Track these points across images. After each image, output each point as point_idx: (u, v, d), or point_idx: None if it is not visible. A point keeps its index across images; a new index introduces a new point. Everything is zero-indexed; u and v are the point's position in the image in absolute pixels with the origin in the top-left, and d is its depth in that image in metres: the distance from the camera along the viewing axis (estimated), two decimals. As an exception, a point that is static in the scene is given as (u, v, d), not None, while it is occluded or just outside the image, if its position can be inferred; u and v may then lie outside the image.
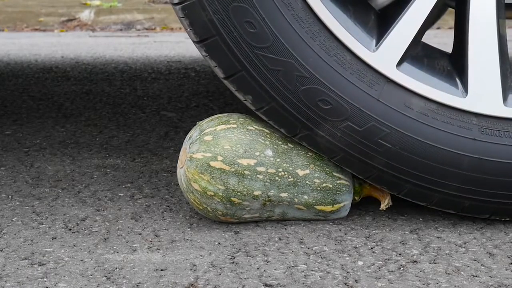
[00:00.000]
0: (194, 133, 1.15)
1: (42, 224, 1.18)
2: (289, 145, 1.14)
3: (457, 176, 1.11)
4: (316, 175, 1.14)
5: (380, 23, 1.12)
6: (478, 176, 1.11)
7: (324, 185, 1.14)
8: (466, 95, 1.10)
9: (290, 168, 1.13)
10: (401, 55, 1.10)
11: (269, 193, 1.12)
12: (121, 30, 4.59)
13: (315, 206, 1.14)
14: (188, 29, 1.10)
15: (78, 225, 1.17)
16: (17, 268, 1.01)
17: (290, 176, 1.13)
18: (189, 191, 1.12)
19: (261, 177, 1.11)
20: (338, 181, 1.15)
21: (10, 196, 1.31)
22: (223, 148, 1.10)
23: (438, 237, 1.11)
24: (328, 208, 1.15)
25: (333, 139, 1.11)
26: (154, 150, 1.60)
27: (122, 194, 1.32)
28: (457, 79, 1.12)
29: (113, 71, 2.68)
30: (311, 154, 1.15)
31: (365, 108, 1.09)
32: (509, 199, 1.12)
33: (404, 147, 1.10)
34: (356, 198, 1.19)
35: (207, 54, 1.10)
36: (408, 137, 1.10)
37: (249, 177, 1.11)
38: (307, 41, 1.07)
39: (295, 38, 1.07)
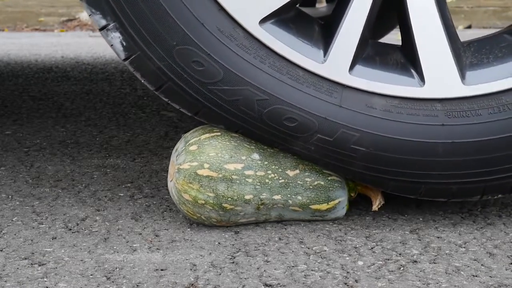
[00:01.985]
0: (179, 145, 1.15)
1: (42, 224, 1.18)
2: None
3: (436, 164, 1.11)
4: (307, 174, 1.14)
5: (324, 33, 1.13)
6: (456, 159, 1.11)
7: (316, 183, 1.14)
8: (424, 83, 1.10)
9: (280, 170, 1.13)
10: (351, 60, 1.10)
11: (261, 196, 1.12)
12: (121, 30, 4.59)
13: (310, 206, 1.14)
14: (143, 81, 1.11)
15: (78, 225, 1.17)
16: (17, 268, 1.01)
17: (280, 178, 1.12)
18: (181, 203, 1.12)
19: (250, 180, 1.11)
20: (329, 178, 1.15)
21: (10, 196, 1.31)
22: (208, 155, 1.10)
23: (438, 237, 1.11)
24: (324, 206, 1.15)
25: (309, 152, 1.12)
26: (154, 150, 1.60)
27: (122, 194, 1.32)
28: (412, 70, 1.12)
29: (113, 71, 2.69)
30: None
31: (330, 117, 1.09)
32: (493, 175, 1.12)
33: (377, 147, 1.10)
34: (352, 194, 1.19)
35: (168, 99, 1.12)
36: (379, 136, 1.10)
37: (237, 181, 1.10)
38: (257, 65, 1.08)
39: (245, 65, 1.08)
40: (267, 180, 1.12)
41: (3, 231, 1.15)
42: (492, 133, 1.10)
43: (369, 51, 1.14)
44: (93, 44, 3.78)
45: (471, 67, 1.12)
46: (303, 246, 1.08)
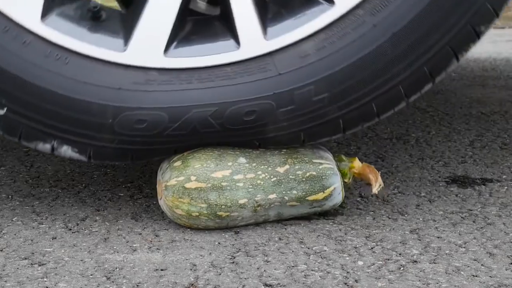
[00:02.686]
0: (163, 164, 1.15)
1: (42, 224, 1.18)
2: (260, 149, 1.15)
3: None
4: (297, 167, 1.14)
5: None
6: None
7: (308, 174, 1.14)
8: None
9: (269, 169, 1.13)
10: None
11: (256, 198, 1.12)
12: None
13: (306, 198, 1.14)
14: None
15: (78, 225, 1.17)
16: (17, 268, 1.01)
17: (272, 176, 1.12)
18: (176, 218, 1.13)
19: (241, 184, 1.11)
20: (320, 167, 1.14)
21: (10, 196, 1.31)
22: (194, 168, 1.10)
23: (438, 237, 1.11)
24: (320, 195, 1.15)
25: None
26: (154, 150, 1.60)
27: (122, 194, 1.32)
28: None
29: (113, 71, 2.68)
30: (285, 150, 1.15)
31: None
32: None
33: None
34: (346, 180, 1.18)
35: None
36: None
37: (228, 188, 1.10)
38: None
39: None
40: (258, 181, 1.12)
41: (3, 231, 1.15)
42: None
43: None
44: (93, 44, 3.78)
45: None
46: (303, 246, 1.08)
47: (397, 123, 1.93)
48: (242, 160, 1.13)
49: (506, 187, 1.36)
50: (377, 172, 1.18)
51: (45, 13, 1.10)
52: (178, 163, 1.12)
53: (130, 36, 1.11)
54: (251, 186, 1.11)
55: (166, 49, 1.11)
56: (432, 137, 1.76)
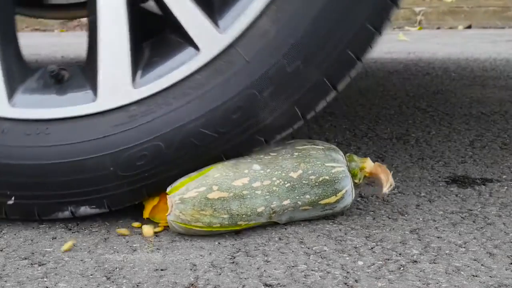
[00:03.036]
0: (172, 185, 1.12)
1: (42, 224, 1.18)
2: (272, 154, 1.14)
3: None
4: (310, 172, 1.13)
5: None
6: None
7: (321, 179, 1.13)
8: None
9: (283, 174, 1.12)
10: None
11: (271, 206, 1.11)
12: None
13: (319, 202, 1.14)
14: None
15: (78, 225, 1.17)
16: (17, 268, 1.01)
17: (286, 182, 1.12)
18: (191, 232, 1.10)
19: (259, 192, 1.10)
20: (332, 170, 1.14)
21: (10, 196, 1.31)
22: (214, 177, 1.08)
23: (438, 237, 1.11)
24: (332, 199, 1.14)
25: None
26: (154, 150, 1.60)
27: (122, 194, 1.31)
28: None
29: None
30: (296, 154, 1.14)
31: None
32: None
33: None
34: (356, 181, 1.18)
35: None
36: None
37: (248, 196, 1.09)
38: None
39: None
40: (274, 188, 1.11)
41: (3, 231, 1.15)
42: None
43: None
44: (93, 44, 3.77)
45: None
46: (303, 246, 1.08)
47: (397, 123, 1.93)
48: (256, 167, 1.11)
49: (506, 187, 1.36)
50: (389, 172, 1.17)
51: (10, 95, 1.11)
52: (194, 174, 1.11)
53: (96, 84, 1.11)
54: (267, 193, 1.10)
55: (133, 81, 1.11)
56: (432, 137, 1.76)
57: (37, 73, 1.16)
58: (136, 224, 1.17)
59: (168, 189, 1.11)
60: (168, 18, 1.12)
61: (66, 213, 1.15)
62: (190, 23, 1.09)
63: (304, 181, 1.12)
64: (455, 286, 0.94)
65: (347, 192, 1.15)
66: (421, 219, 1.19)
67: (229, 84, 1.09)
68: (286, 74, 1.09)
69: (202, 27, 1.09)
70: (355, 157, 1.19)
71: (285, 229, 1.15)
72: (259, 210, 1.09)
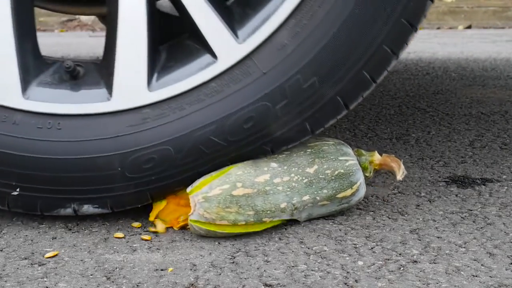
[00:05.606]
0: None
1: (42, 224, 1.18)
2: (285, 152, 1.15)
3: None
4: (325, 166, 1.14)
5: None
6: None
7: (336, 172, 1.14)
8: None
9: (300, 170, 1.13)
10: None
11: (293, 202, 1.11)
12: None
13: (336, 196, 1.14)
14: None
15: (78, 225, 1.17)
16: (17, 268, 1.01)
17: (304, 178, 1.12)
18: (211, 234, 1.10)
19: (280, 188, 1.10)
20: (346, 163, 1.15)
21: (10, 196, 1.31)
22: (236, 175, 1.09)
23: (438, 237, 1.11)
24: (348, 192, 1.15)
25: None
26: (154, 150, 1.60)
27: (122, 194, 1.31)
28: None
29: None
30: (309, 150, 1.15)
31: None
32: None
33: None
34: (367, 174, 1.19)
35: None
36: None
37: (271, 192, 1.09)
38: None
39: None
40: (293, 184, 1.11)
41: (3, 231, 1.15)
42: None
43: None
44: (93, 44, 3.78)
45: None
46: (303, 246, 1.08)
47: (397, 123, 1.93)
48: (273, 164, 1.12)
49: (506, 187, 1.36)
50: (399, 159, 1.19)
51: (24, 87, 1.11)
52: (216, 173, 1.10)
53: (111, 83, 1.11)
54: (288, 189, 1.11)
55: (149, 84, 1.10)
56: (432, 137, 1.76)
57: (52, 67, 1.15)
58: (136, 224, 1.17)
59: (188, 189, 1.10)
60: (187, 24, 1.12)
61: (69, 211, 1.15)
62: (210, 31, 1.10)
63: (320, 176, 1.13)
64: (455, 286, 0.94)
65: (361, 184, 1.17)
66: (421, 219, 1.19)
67: (243, 94, 1.10)
68: (300, 89, 1.10)
69: (222, 35, 1.10)
70: (363, 151, 1.20)
71: (285, 229, 1.15)
72: (282, 206, 1.10)
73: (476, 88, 2.49)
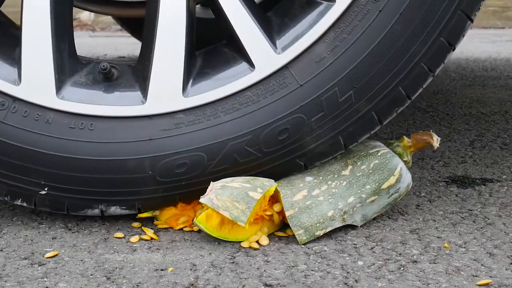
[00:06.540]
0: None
1: (42, 224, 1.18)
2: (316, 166, 1.15)
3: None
4: (359, 163, 1.14)
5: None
6: None
7: (372, 164, 1.14)
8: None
9: (336, 176, 1.13)
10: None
11: (339, 207, 1.11)
12: (121, 30, 4.60)
13: (381, 187, 1.14)
14: None
15: (78, 225, 1.17)
16: (17, 268, 1.01)
17: (342, 181, 1.12)
18: (209, 231, 1.09)
19: (321, 198, 1.10)
20: (379, 153, 1.15)
21: (10, 196, 1.31)
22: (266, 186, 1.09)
23: (438, 237, 1.11)
24: (392, 179, 1.14)
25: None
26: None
27: (122, 194, 1.31)
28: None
29: (113, 71, 2.68)
30: (339, 156, 1.15)
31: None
32: None
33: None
34: (406, 159, 1.19)
35: None
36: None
37: (313, 205, 1.09)
38: None
39: None
40: (333, 190, 1.11)
41: (3, 231, 1.15)
42: None
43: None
44: (93, 44, 3.78)
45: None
46: (303, 246, 1.08)
47: (397, 123, 1.93)
48: (308, 178, 1.12)
49: (506, 187, 1.36)
50: (428, 132, 1.19)
51: (59, 87, 1.11)
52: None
53: (146, 87, 1.11)
54: (330, 197, 1.11)
55: (184, 89, 1.10)
56: (432, 137, 1.76)
57: (86, 67, 1.15)
58: (136, 224, 1.17)
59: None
60: (225, 31, 1.12)
61: (96, 211, 1.15)
62: (248, 39, 1.10)
63: (358, 174, 1.13)
64: (455, 286, 0.94)
65: (402, 169, 1.15)
66: (421, 219, 1.19)
67: (279, 105, 1.10)
68: (336, 103, 1.10)
69: (260, 44, 1.10)
70: (391, 141, 1.21)
71: (285, 229, 1.15)
72: (329, 214, 1.10)
73: (476, 88, 2.49)
